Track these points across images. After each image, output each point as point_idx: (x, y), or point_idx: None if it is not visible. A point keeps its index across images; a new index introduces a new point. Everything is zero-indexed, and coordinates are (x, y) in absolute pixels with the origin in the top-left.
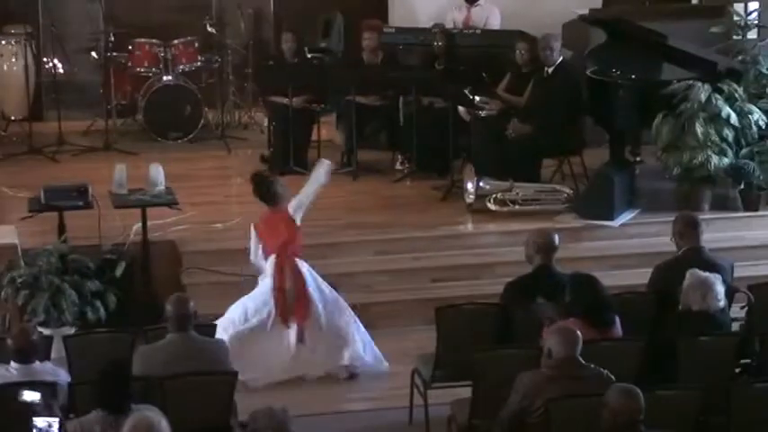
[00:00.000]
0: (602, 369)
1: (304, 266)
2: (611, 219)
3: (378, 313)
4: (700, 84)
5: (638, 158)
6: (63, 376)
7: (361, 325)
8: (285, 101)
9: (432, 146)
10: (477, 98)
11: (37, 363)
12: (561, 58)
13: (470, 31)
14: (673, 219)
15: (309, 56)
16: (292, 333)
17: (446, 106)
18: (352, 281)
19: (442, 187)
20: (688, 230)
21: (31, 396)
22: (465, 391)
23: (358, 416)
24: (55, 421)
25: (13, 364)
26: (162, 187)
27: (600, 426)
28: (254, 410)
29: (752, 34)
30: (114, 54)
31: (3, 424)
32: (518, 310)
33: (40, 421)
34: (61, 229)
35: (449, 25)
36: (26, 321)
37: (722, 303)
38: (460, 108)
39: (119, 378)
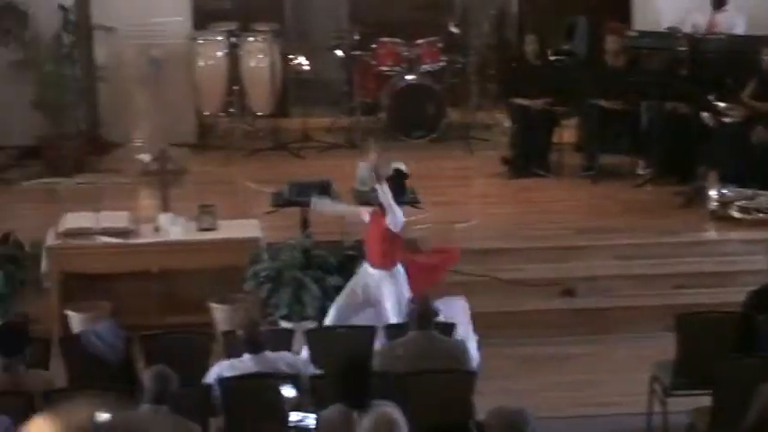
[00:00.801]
0: None
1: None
2: None
3: (617, 318)
4: None
5: None
6: (299, 363)
7: None
8: (527, 103)
9: (674, 151)
10: (721, 104)
11: (267, 351)
12: None
13: (715, 36)
14: None
15: (553, 58)
16: None
17: (689, 112)
18: (592, 285)
19: (683, 193)
20: None
21: (288, 392)
22: (705, 400)
23: (595, 420)
24: (310, 416)
25: (245, 356)
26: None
27: None
28: (491, 410)
29: None
30: (359, 52)
31: (242, 413)
32: (762, 319)
33: (294, 415)
34: (304, 224)
35: (689, 29)
36: (268, 314)
37: None
38: (704, 114)
39: (360, 373)
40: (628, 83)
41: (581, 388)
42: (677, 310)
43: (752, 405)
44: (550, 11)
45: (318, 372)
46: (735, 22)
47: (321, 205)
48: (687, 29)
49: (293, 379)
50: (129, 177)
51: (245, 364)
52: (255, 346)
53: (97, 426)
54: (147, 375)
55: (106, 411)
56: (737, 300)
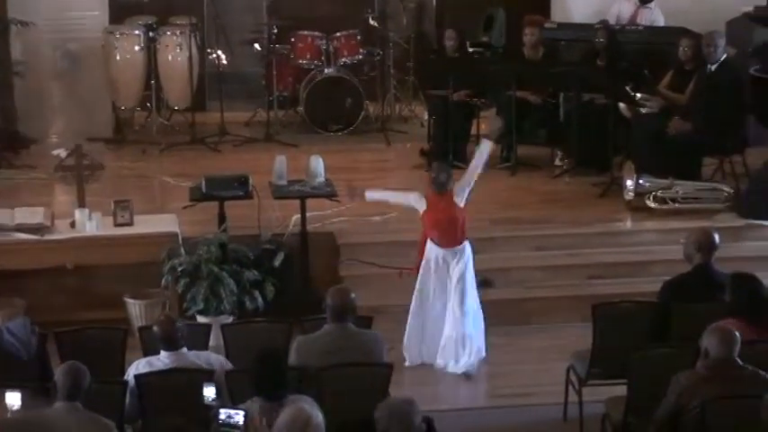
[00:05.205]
0: (760, 370)
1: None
2: None
3: (532, 309)
4: None
5: None
6: (216, 361)
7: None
8: (445, 94)
9: (591, 142)
10: (638, 95)
11: (185, 349)
12: (725, 56)
13: (633, 28)
14: None
15: (471, 50)
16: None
17: (607, 103)
18: (507, 276)
19: (600, 184)
20: None
21: (210, 391)
22: (620, 389)
23: (512, 411)
24: (239, 413)
25: (162, 353)
26: (321, 179)
27: (757, 427)
28: (380, 403)
29: None
30: (277, 46)
31: (155, 408)
32: (676, 308)
33: (223, 413)
34: (221, 218)
35: (613, 16)
36: (185, 309)
37: None
38: (621, 105)
39: (275, 365)
40: (546, 74)
41: (497, 378)
42: (593, 300)
43: (666, 394)
44: (468, 3)
45: (234, 368)
46: (657, 18)
47: (371, 194)
48: (611, 18)
49: (210, 376)
50: (45, 173)
51: (162, 361)
52: (172, 344)
53: (8, 423)
54: (58, 371)
55: (19, 408)
56: (653, 289)
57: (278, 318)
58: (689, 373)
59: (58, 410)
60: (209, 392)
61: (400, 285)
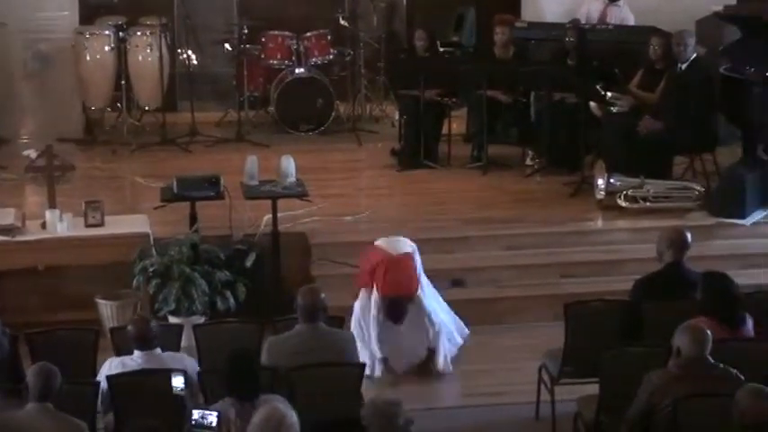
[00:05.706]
0: (731, 369)
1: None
2: (743, 217)
3: (505, 308)
4: None
5: None
6: (189, 364)
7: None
8: (416, 94)
9: (562, 141)
10: (608, 94)
11: (158, 349)
12: (695, 55)
13: (603, 27)
14: None
15: (441, 50)
16: None
17: (577, 102)
18: (479, 275)
19: (572, 183)
20: None
21: (178, 381)
22: (592, 388)
23: (484, 410)
24: (212, 414)
25: (135, 353)
26: (293, 179)
27: (728, 425)
28: (366, 402)
29: None
30: (247, 46)
31: (127, 408)
32: (647, 307)
33: (195, 413)
34: (193, 219)
35: (582, 15)
36: (157, 310)
37: None
38: (592, 104)
39: (247, 365)
40: (516, 74)
41: (470, 378)
42: (565, 299)
43: (637, 392)
44: (439, 2)
45: (205, 368)
46: (626, 16)
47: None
48: (581, 17)
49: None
50: (16, 174)
51: (135, 361)
52: (146, 343)
53: None
54: (30, 373)
55: None
56: (624, 288)
57: (250, 318)
58: (661, 372)
59: (29, 412)
60: (178, 382)
61: None
